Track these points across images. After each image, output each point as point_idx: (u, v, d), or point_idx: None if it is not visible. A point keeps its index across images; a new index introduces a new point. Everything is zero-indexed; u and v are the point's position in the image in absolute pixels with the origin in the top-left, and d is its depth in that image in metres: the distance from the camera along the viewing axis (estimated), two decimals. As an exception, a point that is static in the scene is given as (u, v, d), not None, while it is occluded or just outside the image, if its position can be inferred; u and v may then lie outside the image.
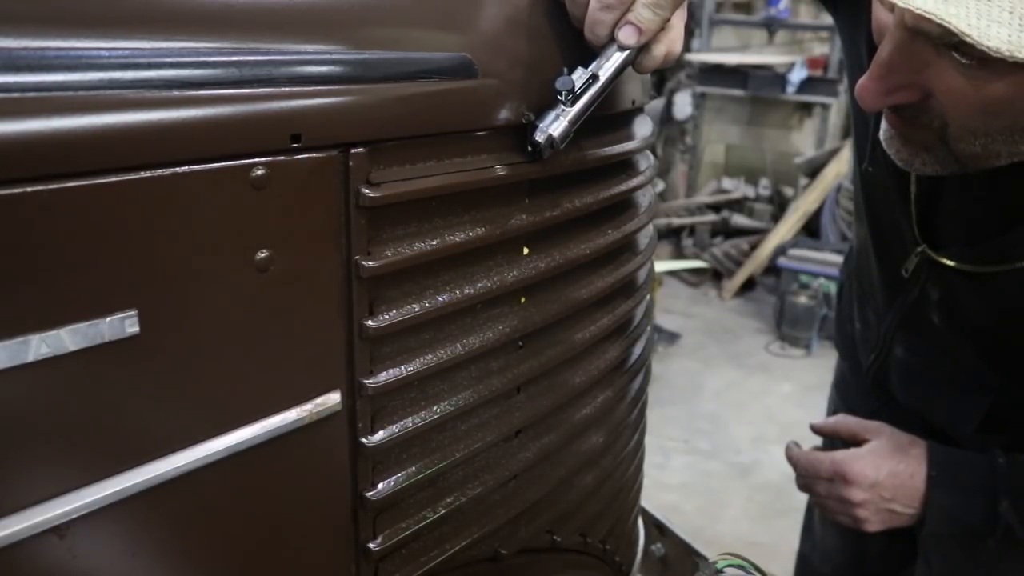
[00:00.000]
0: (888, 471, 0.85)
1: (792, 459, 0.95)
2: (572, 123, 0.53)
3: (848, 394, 1.14)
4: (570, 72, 0.53)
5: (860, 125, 0.91)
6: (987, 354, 0.85)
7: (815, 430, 1.02)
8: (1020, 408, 0.85)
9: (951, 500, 0.84)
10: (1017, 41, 0.48)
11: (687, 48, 4.80)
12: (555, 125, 0.53)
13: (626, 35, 0.52)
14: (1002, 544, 0.86)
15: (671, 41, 0.55)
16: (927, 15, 0.50)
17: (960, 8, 0.49)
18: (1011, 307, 0.78)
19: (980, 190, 0.77)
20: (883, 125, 0.70)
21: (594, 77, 0.53)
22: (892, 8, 0.59)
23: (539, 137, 0.53)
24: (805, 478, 0.93)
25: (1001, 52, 0.49)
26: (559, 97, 0.53)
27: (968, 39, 0.49)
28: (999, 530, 0.81)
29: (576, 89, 0.53)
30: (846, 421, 0.96)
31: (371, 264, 0.46)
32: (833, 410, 1.18)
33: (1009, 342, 0.81)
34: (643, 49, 0.54)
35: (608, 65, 0.54)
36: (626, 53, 0.54)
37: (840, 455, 0.89)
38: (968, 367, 0.87)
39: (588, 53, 0.55)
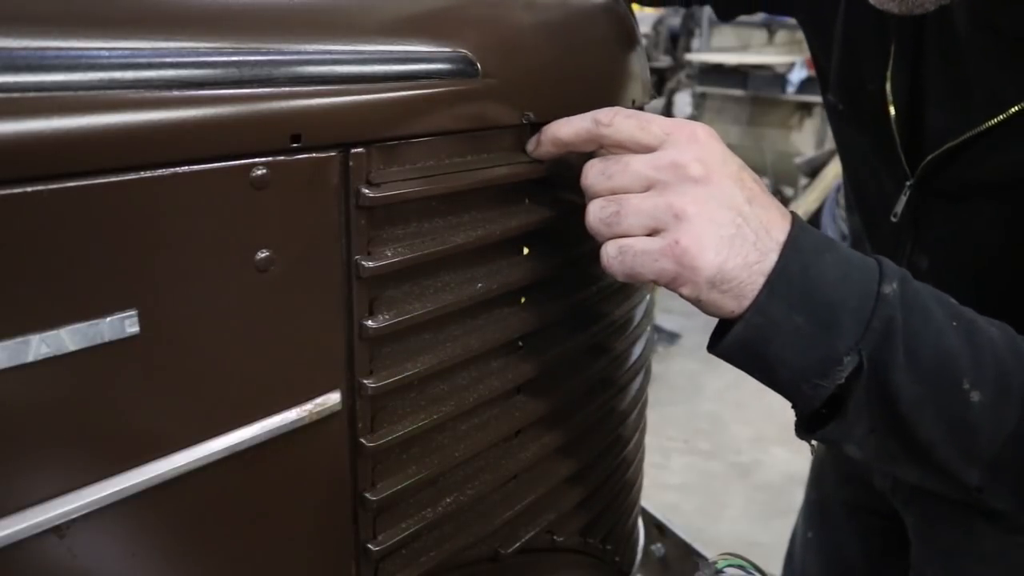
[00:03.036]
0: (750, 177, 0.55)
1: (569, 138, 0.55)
2: None
3: None
4: None
5: (823, 58, 0.89)
6: (977, 292, 0.73)
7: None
8: None
9: (823, 256, 0.54)
10: None
11: (687, 48, 4.80)
12: None
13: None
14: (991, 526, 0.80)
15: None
16: None
17: None
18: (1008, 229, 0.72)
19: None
20: None
21: None
22: None
23: None
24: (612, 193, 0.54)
25: None
26: None
27: None
28: (873, 337, 0.53)
29: None
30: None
31: (371, 264, 0.46)
32: None
33: (1000, 274, 0.74)
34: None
35: None
36: None
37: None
38: None
39: (589, 51, 0.55)
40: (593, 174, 0.54)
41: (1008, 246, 0.74)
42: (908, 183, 0.81)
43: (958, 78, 0.75)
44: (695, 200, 0.51)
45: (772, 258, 0.52)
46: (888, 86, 0.80)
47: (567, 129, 0.54)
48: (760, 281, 0.51)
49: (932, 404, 0.54)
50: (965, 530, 0.88)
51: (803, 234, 0.53)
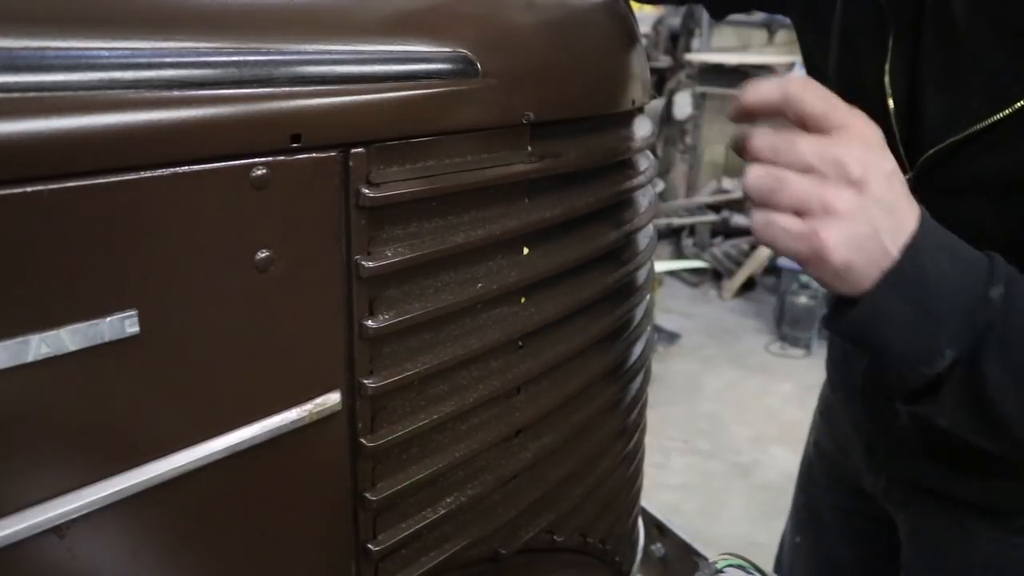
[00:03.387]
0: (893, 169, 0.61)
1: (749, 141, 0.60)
2: None
3: (840, 422, 1.06)
4: None
5: (819, 56, 0.90)
6: None
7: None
8: None
9: (939, 257, 0.60)
10: None
11: (687, 48, 4.80)
12: None
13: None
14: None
15: None
16: None
17: None
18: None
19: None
20: None
21: None
22: None
23: None
24: (774, 166, 0.58)
25: None
26: None
27: None
28: (984, 324, 0.58)
29: None
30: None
31: (371, 264, 0.46)
32: (815, 439, 1.13)
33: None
34: None
35: None
36: None
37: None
38: None
39: (590, 53, 0.55)
40: (760, 144, 0.57)
41: (1006, 241, 0.73)
42: (907, 177, 0.80)
43: (958, 72, 0.75)
44: (846, 201, 0.55)
45: (894, 256, 0.57)
46: (887, 79, 0.80)
47: (755, 96, 0.59)
48: (878, 275, 0.56)
49: (1015, 391, 0.60)
50: (960, 532, 0.88)
51: (927, 236, 0.59)
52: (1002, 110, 0.70)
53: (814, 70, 0.93)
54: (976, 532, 0.87)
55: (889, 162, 0.59)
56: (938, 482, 0.89)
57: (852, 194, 0.56)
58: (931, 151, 0.77)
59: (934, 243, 0.59)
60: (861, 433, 0.99)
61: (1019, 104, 0.69)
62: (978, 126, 0.72)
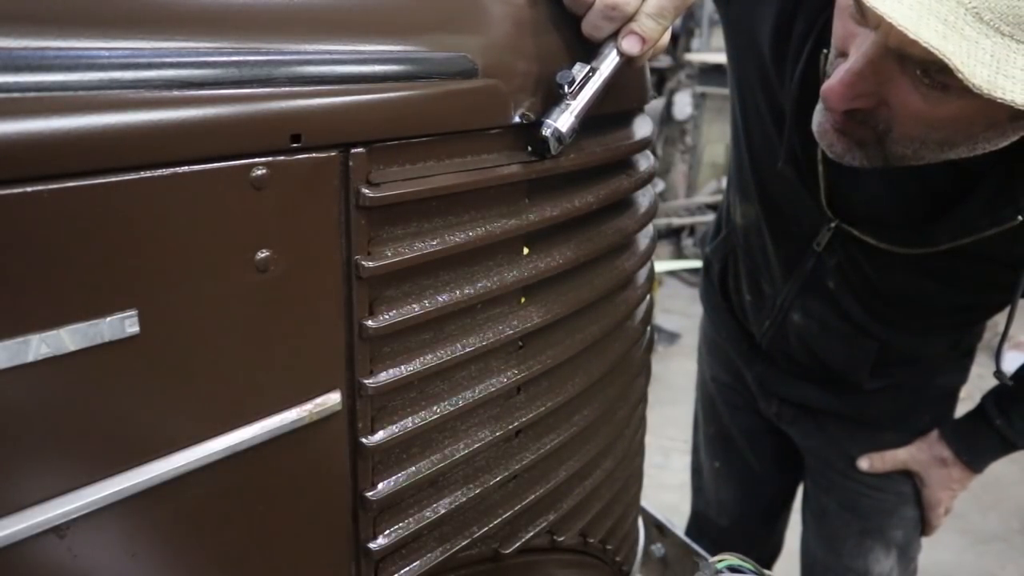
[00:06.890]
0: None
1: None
2: (578, 117, 0.53)
3: (729, 357, 1.31)
4: (569, 68, 0.54)
5: (762, 126, 1.04)
6: (873, 310, 1.04)
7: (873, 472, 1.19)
8: (901, 351, 1.08)
9: (974, 450, 1.13)
10: (992, 82, 0.57)
11: (687, 48, 4.80)
12: (561, 120, 0.53)
13: (630, 44, 0.54)
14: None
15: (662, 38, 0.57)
16: (933, 49, 0.57)
17: (957, 48, 0.57)
18: (912, 276, 0.96)
19: (900, 184, 0.91)
20: (817, 120, 0.79)
21: (593, 70, 0.54)
22: (877, 26, 0.66)
23: (545, 132, 0.53)
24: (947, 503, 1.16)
25: (981, 89, 0.57)
26: (561, 91, 0.53)
27: (960, 75, 0.57)
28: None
29: (577, 81, 0.53)
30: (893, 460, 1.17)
31: (371, 264, 0.46)
32: (711, 375, 1.40)
33: (892, 300, 1.01)
34: None
35: (606, 62, 0.55)
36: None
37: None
38: (857, 322, 1.06)
39: (589, 52, 0.55)
40: None
41: (901, 280, 0.99)
42: (831, 224, 1.00)
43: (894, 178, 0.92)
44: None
45: None
46: (819, 154, 0.94)
47: None
48: None
49: None
50: (835, 438, 1.20)
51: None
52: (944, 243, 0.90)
53: (768, 140, 1.04)
54: (848, 441, 1.18)
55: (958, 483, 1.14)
56: (818, 402, 1.18)
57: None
58: (856, 232, 0.96)
59: (970, 456, 1.16)
60: (752, 368, 1.24)
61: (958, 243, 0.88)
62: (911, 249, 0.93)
